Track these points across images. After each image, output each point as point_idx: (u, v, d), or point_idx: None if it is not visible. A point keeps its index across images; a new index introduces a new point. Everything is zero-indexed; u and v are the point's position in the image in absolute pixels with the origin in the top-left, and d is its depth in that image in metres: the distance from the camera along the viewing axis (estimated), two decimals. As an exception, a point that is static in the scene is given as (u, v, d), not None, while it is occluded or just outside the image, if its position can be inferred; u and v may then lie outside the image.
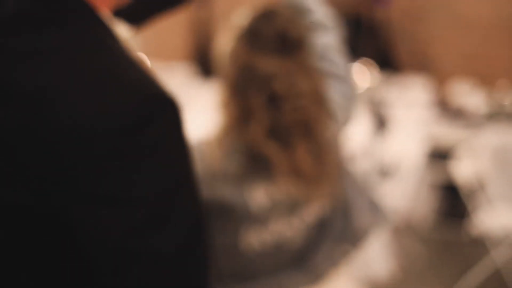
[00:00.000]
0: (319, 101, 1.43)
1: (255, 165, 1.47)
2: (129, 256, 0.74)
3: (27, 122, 0.73)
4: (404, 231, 4.89)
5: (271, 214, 1.56)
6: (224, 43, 1.43)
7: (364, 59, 8.47)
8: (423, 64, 8.70)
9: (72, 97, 0.73)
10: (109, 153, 0.73)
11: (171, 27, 9.27)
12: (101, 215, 0.74)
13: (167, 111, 0.76)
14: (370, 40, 8.73)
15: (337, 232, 1.67)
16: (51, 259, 0.77)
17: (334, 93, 1.50)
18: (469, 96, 6.46)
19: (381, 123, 5.98)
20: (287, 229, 1.58)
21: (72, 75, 0.75)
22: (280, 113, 1.40)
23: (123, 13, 1.31)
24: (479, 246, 4.71)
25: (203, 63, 8.50)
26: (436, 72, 8.38)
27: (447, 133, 4.87)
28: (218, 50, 1.43)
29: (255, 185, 1.49)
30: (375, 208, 1.67)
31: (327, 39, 1.52)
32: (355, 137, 4.26)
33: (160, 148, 0.76)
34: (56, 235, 0.75)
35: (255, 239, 1.55)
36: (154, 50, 8.92)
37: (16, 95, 0.74)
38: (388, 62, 8.66)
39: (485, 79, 7.48)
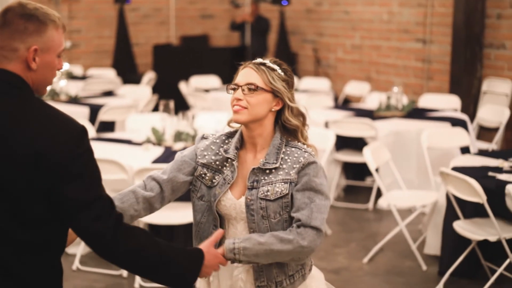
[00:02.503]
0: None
1: None
2: (85, 199, 1.79)
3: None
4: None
5: None
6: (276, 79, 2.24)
7: (270, 58, 8.87)
8: (322, 66, 9.21)
9: (47, 135, 1.75)
10: (71, 155, 1.75)
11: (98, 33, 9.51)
12: (73, 184, 1.77)
13: (86, 132, 1.79)
14: (278, 44, 9.18)
15: None
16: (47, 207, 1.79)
17: None
18: (366, 95, 7.16)
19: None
20: None
21: (43, 124, 1.76)
22: None
23: None
24: (383, 214, 5.32)
25: (122, 69, 8.81)
26: (336, 74, 8.96)
27: (350, 122, 5.46)
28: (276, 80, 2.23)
29: None
30: None
31: None
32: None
33: (90, 150, 1.80)
34: (48, 198, 1.77)
35: None
36: (85, 57, 9.13)
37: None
38: (291, 61, 8.99)
39: (381, 84, 8.14)
